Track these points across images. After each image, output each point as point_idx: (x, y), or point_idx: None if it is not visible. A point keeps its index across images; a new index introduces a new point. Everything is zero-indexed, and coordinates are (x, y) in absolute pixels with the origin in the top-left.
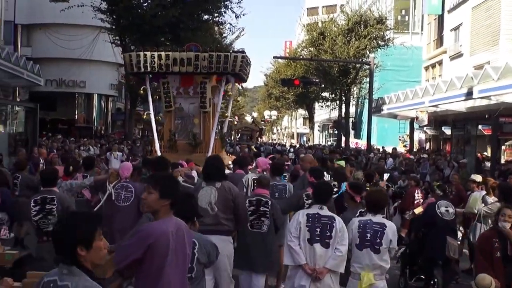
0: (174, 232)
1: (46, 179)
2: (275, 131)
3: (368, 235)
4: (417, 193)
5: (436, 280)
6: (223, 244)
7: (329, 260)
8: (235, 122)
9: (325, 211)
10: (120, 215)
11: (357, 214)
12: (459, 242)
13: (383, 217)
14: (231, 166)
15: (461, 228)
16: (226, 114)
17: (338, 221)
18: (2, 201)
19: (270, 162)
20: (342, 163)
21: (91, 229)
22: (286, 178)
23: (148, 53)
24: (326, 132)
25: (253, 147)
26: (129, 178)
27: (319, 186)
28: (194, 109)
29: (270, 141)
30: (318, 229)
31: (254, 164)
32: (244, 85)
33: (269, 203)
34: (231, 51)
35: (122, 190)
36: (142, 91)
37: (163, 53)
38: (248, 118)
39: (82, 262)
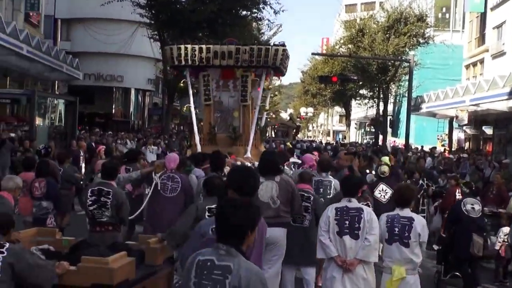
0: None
1: (107, 172)
2: (310, 128)
3: (396, 229)
4: (458, 192)
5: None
6: (284, 235)
7: (359, 251)
8: (271, 118)
9: (354, 203)
10: (167, 206)
11: None
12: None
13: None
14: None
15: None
16: (266, 108)
17: (367, 212)
18: (47, 191)
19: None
20: (386, 159)
21: (258, 216)
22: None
23: (189, 46)
24: (363, 130)
25: (288, 143)
26: (174, 170)
27: (346, 180)
28: (234, 102)
29: (306, 138)
30: (347, 222)
31: (290, 160)
32: (280, 82)
33: (311, 198)
34: (272, 44)
35: (169, 180)
36: (182, 84)
37: (204, 46)
38: (284, 115)
39: (241, 245)
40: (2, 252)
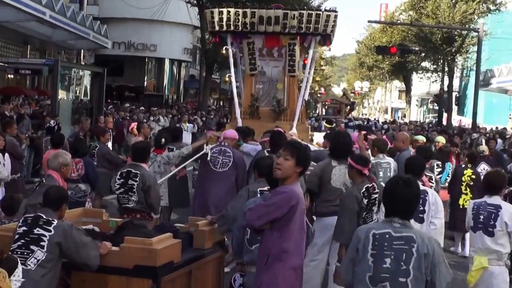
0: (302, 198)
1: (136, 153)
2: (366, 105)
3: (481, 217)
4: None
5: None
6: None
7: None
8: (315, 93)
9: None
10: (217, 182)
11: (363, 190)
12: None
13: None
14: (317, 141)
15: None
16: (317, 79)
17: (431, 194)
18: (86, 171)
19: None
20: (442, 139)
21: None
22: None
23: (232, 10)
24: (425, 107)
25: (325, 123)
26: (228, 143)
27: (411, 161)
28: (278, 73)
29: (360, 115)
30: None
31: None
32: (332, 52)
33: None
34: (323, 10)
35: (220, 154)
36: (224, 51)
37: (248, 11)
38: (336, 89)
39: (410, 217)
40: (50, 231)
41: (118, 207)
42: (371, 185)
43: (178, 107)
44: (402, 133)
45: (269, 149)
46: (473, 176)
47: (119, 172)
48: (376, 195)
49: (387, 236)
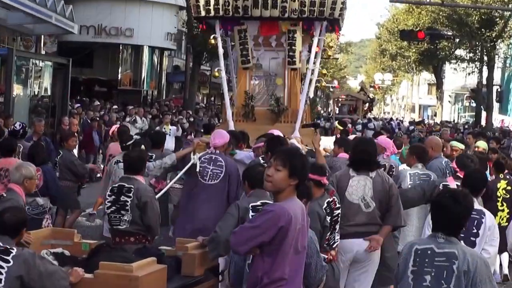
0: (300, 215)
1: (130, 164)
2: (388, 101)
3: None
4: None
5: None
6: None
7: None
8: (331, 88)
9: (475, 205)
10: (205, 196)
11: (325, 205)
12: None
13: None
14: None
15: None
16: (323, 71)
17: (489, 216)
18: (44, 182)
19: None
20: (483, 144)
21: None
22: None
23: None
24: (460, 104)
25: (337, 123)
26: (219, 150)
27: (470, 175)
28: (277, 65)
29: (382, 114)
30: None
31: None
32: (348, 38)
33: None
34: None
35: (210, 164)
36: (212, 41)
37: None
38: (352, 83)
39: (458, 233)
40: (8, 261)
41: (109, 228)
42: (331, 199)
43: (160, 105)
44: (432, 138)
45: (264, 157)
46: (509, 188)
47: (110, 188)
48: (339, 211)
49: (429, 252)
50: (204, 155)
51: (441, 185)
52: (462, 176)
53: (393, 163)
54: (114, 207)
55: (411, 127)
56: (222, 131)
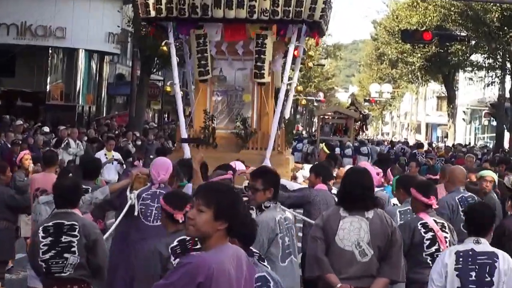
0: (233, 266)
1: (64, 195)
2: (387, 118)
3: (473, 273)
4: None
5: None
6: None
7: None
8: (315, 102)
9: (484, 246)
10: (149, 240)
11: (174, 244)
12: None
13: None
14: (303, 175)
15: None
16: (299, 88)
17: (503, 258)
18: None
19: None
20: (491, 174)
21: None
22: None
23: None
24: (477, 122)
25: (323, 145)
26: (165, 184)
27: (474, 209)
28: (244, 78)
29: (379, 136)
30: (473, 273)
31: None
32: (336, 39)
33: None
34: None
35: (154, 200)
36: (164, 48)
37: None
38: (342, 95)
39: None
40: None
41: (44, 277)
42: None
43: (99, 124)
44: (457, 168)
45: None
46: None
47: (42, 227)
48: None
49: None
50: (146, 190)
51: (419, 224)
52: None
53: (382, 196)
54: (53, 251)
55: (412, 152)
56: (164, 161)
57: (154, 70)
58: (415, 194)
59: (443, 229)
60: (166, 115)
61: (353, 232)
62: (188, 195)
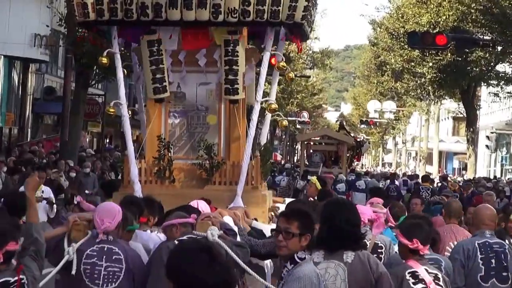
0: None
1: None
2: (390, 145)
3: (493, 260)
4: None
5: None
6: None
7: None
8: (298, 124)
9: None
10: None
11: None
12: None
13: None
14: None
15: None
16: (273, 106)
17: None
18: None
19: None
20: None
21: None
22: None
23: None
24: (505, 150)
25: (313, 178)
26: (112, 233)
27: None
28: (208, 95)
29: (379, 167)
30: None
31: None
32: (325, 43)
33: None
34: None
35: (102, 258)
36: (103, 60)
37: None
38: (332, 115)
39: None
40: None
41: None
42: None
43: (22, 151)
44: (482, 208)
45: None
46: None
47: None
48: None
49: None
50: (90, 245)
51: (407, 273)
52: None
53: (381, 241)
54: None
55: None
56: (112, 207)
57: (93, 83)
58: (398, 236)
59: (436, 281)
60: (107, 140)
61: (329, 281)
62: (10, 230)
